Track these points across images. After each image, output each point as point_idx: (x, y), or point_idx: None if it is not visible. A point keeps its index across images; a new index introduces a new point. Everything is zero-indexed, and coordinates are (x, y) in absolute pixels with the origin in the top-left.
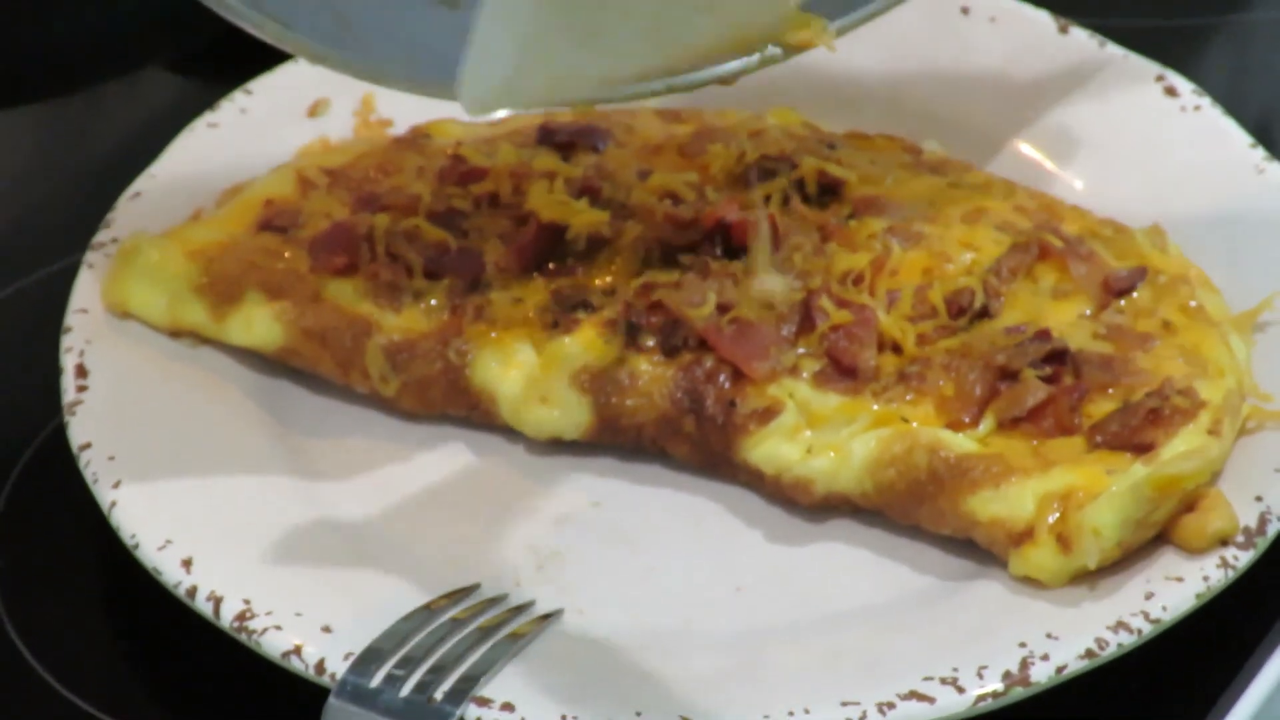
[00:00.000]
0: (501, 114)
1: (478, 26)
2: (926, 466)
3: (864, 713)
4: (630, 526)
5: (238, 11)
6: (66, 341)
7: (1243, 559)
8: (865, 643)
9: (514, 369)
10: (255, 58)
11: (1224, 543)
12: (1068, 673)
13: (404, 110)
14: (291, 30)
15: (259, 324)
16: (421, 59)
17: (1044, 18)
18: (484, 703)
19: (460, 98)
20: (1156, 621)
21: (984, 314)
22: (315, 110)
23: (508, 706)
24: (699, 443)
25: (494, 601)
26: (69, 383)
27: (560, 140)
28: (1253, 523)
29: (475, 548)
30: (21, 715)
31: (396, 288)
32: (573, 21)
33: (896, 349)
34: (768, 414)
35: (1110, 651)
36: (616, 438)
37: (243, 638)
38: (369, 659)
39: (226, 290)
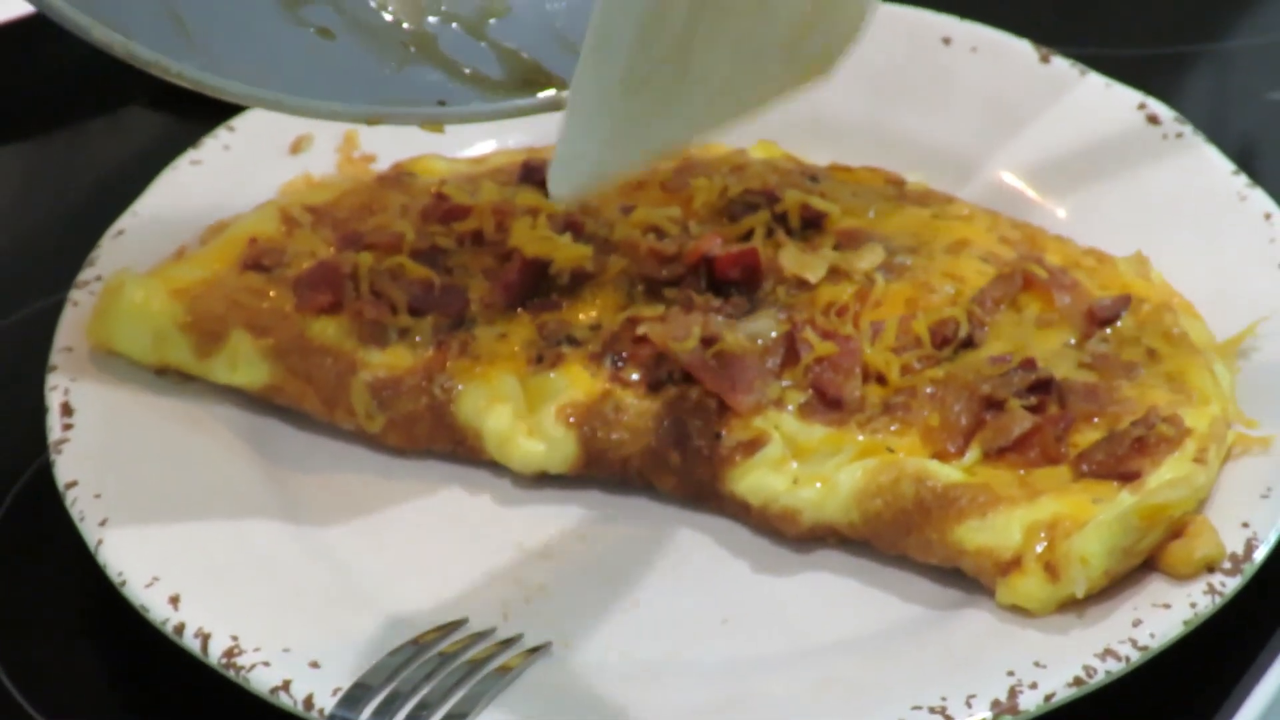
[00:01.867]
0: (485, 149)
1: (562, 131)
2: (913, 496)
3: None
4: (617, 559)
5: (64, 14)
6: (51, 380)
7: (1230, 585)
8: (853, 673)
9: (499, 404)
10: None
11: (1211, 569)
12: (1056, 701)
13: (387, 147)
14: (130, 38)
15: (244, 362)
16: (271, 76)
17: (1025, 47)
18: None
19: (551, 190)
20: (1144, 649)
21: (968, 344)
22: (298, 147)
23: None
24: (685, 475)
25: (481, 635)
26: (54, 421)
27: (543, 177)
28: (1239, 549)
29: (462, 582)
30: None
31: (381, 325)
32: (653, 105)
33: (881, 380)
34: (753, 445)
35: (1098, 679)
36: (602, 471)
37: (231, 674)
38: (357, 694)
39: (211, 329)
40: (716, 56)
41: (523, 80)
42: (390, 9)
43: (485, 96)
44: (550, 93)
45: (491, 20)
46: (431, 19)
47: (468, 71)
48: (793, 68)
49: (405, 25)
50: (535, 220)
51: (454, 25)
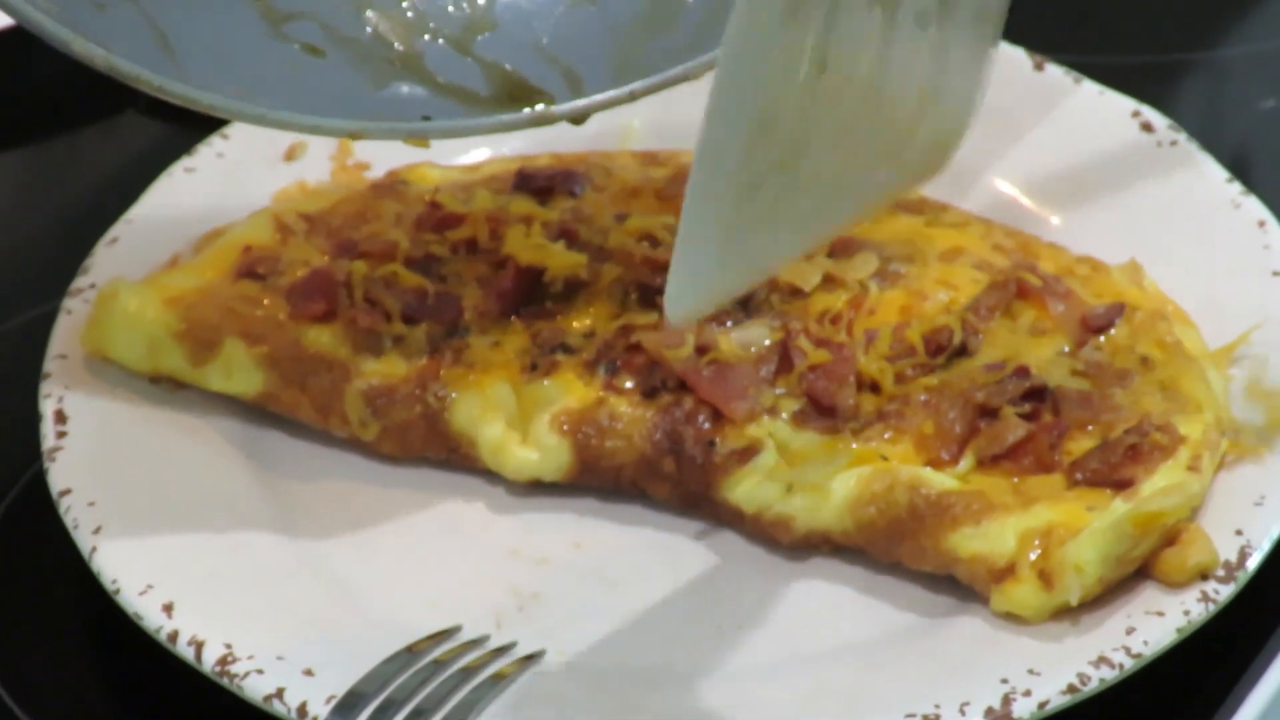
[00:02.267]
0: (480, 157)
1: (676, 253)
2: (907, 504)
3: None
4: (611, 567)
5: (44, 28)
6: (45, 388)
7: (1223, 593)
8: (847, 680)
9: (493, 412)
10: None
11: (1204, 577)
12: (1050, 708)
13: (381, 155)
14: (111, 53)
15: (238, 370)
16: (254, 91)
17: (1019, 54)
18: None
19: (669, 316)
20: (1138, 656)
21: (962, 352)
22: (292, 154)
23: None
24: (679, 483)
25: (476, 643)
26: (48, 429)
27: (537, 185)
28: (1233, 556)
29: (456, 590)
30: None
31: (375, 333)
32: (763, 217)
33: (875, 388)
34: (747, 453)
35: (1092, 686)
36: (596, 479)
37: (225, 682)
38: (351, 702)
39: (205, 337)
40: (824, 162)
41: (508, 95)
42: (378, 27)
43: (470, 111)
44: (537, 108)
45: (478, 36)
46: (423, 37)
47: (453, 87)
48: (900, 169)
49: (395, 44)
50: (529, 228)
51: (440, 42)
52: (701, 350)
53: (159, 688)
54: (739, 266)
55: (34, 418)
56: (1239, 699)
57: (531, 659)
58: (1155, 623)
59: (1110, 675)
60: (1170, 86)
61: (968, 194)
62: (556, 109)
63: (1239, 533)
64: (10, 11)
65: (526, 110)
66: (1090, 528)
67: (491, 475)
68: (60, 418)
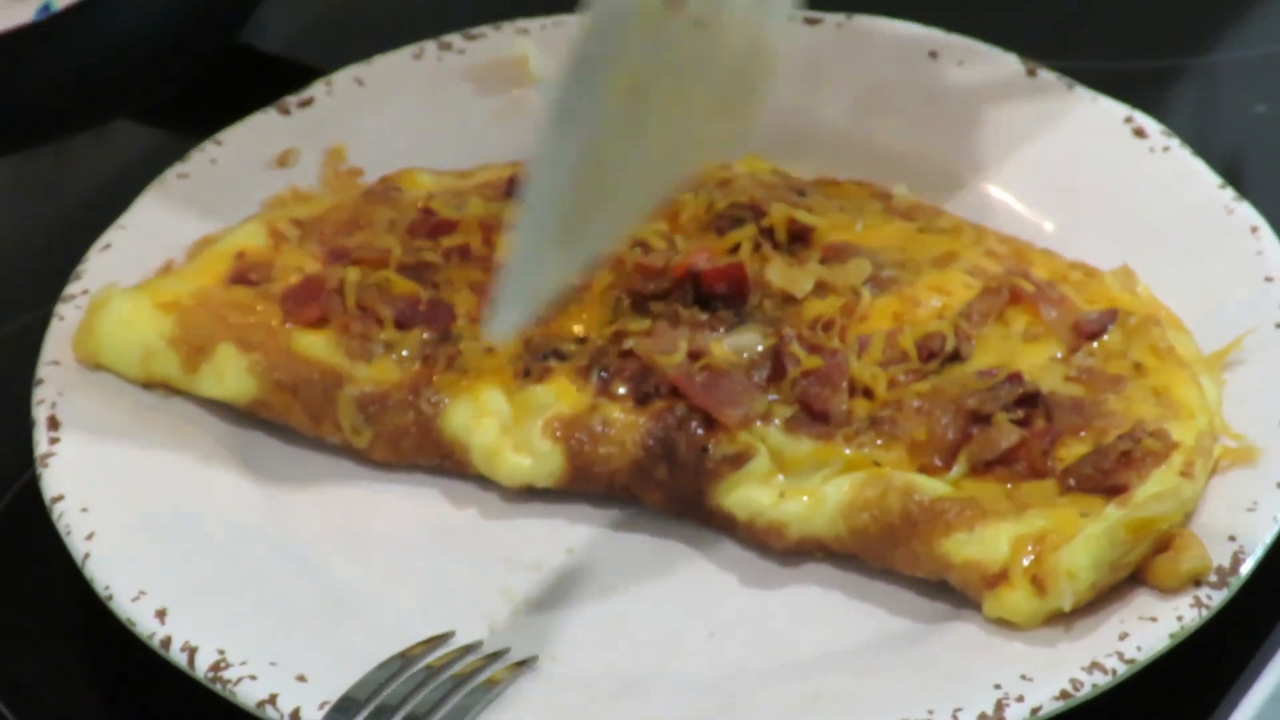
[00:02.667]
0: (473, 163)
1: (502, 284)
2: (900, 510)
3: None
4: (604, 573)
5: None
6: (38, 394)
7: (1216, 598)
8: (840, 686)
9: (486, 418)
10: (225, 109)
11: (1197, 582)
12: (1043, 714)
13: (373, 160)
14: None
15: (231, 377)
16: None
17: (1012, 60)
18: None
19: (490, 335)
20: (1131, 662)
21: (955, 358)
22: (285, 160)
23: None
24: (672, 489)
25: (468, 649)
26: (41, 435)
27: None
28: (1226, 562)
29: (449, 595)
30: None
31: (368, 340)
32: (581, 229)
33: (868, 394)
34: (740, 459)
35: (1085, 692)
36: (589, 485)
37: (218, 687)
38: (344, 707)
39: (198, 343)
40: (637, 169)
41: None
42: None
43: None
44: None
45: None
46: None
47: None
48: (707, 144)
49: None
50: None
51: None
52: (694, 356)
53: (152, 694)
54: (550, 285)
55: (27, 424)
56: (1232, 704)
57: (524, 665)
58: (1148, 628)
59: (1103, 681)
60: (1163, 92)
61: (960, 200)
62: None
63: (1232, 538)
64: None
65: None
66: (1083, 533)
67: (484, 481)
68: (53, 424)
